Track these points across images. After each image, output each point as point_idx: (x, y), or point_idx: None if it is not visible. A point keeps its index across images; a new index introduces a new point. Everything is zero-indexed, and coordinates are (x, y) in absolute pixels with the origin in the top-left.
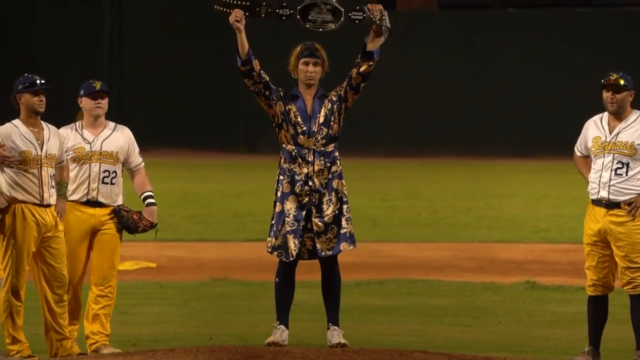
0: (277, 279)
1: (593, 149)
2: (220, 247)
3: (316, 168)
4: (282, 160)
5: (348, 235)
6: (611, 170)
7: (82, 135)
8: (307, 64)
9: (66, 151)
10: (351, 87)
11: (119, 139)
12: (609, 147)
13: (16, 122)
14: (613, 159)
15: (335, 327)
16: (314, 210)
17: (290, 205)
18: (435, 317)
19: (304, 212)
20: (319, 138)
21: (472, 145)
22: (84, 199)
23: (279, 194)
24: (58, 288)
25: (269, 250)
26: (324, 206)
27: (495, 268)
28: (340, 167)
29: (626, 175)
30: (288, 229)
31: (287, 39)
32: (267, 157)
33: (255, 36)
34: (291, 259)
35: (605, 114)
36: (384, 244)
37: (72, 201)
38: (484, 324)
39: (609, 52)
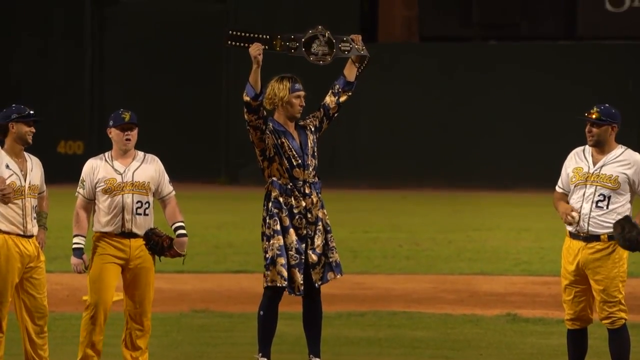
0: (261, 312)
1: (574, 179)
2: (201, 278)
3: (313, 200)
4: (275, 194)
5: (334, 264)
6: (592, 202)
7: (112, 167)
8: (299, 97)
9: (97, 182)
10: (328, 117)
11: (150, 169)
12: (592, 179)
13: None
14: (595, 191)
15: (317, 359)
16: (309, 243)
17: (291, 239)
18: (417, 349)
19: (303, 245)
20: (310, 169)
21: (454, 178)
22: (119, 231)
23: (277, 227)
24: (39, 319)
25: (269, 284)
26: (315, 237)
27: (476, 300)
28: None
29: (607, 208)
30: (293, 262)
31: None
32: (247, 189)
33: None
34: (298, 293)
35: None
36: (365, 276)
37: (106, 233)
38: (465, 356)
39: (591, 84)
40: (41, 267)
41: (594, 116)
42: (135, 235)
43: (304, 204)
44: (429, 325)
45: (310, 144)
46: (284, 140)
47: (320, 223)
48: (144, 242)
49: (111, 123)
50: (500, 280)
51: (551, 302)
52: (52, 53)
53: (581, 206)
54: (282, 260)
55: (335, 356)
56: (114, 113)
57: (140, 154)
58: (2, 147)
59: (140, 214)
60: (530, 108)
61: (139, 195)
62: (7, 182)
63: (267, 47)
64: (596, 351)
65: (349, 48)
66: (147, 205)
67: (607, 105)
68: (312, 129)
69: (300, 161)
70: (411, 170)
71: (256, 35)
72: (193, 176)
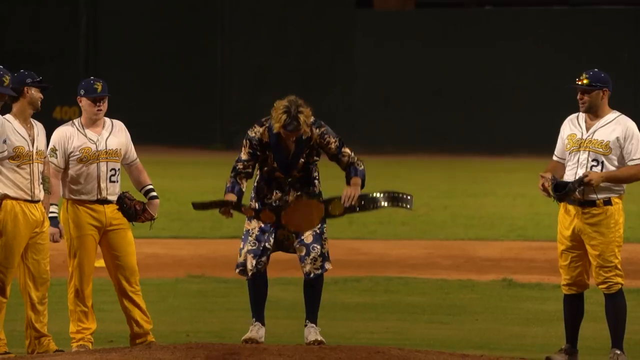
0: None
1: (568, 146)
2: (197, 244)
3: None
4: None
5: (327, 255)
6: (586, 167)
7: (85, 135)
8: (288, 137)
9: (71, 152)
10: (329, 156)
11: (120, 135)
12: (585, 145)
13: (8, 117)
14: (588, 156)
15: (313, 325)
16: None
17: (255, 225)
18: (412, 314)
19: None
20: (294, 180)
21: (449, 144)
22: (94, 198)
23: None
24: (41, 285)
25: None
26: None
27: (472, 266)
28: (319, 187)
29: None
30: (249, 248)
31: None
32: None
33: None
34: (248, 276)
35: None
36: (361, 242)
37: (80, 200)
38: (460, 321)
39: (585, 50)
40: (46, 232)
41: (584, 81)
42: (109, 202)
43: (280, 194)
44: (424, 291)
45: (303, 159)
46: (268, 154)
47: None
48: (117, 207)
49: (82, 92)
50: (496, 246)
51: (547, 267)
52: (47, 20)
53: (576, 172)
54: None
55: (331, 321)
56: (84, 81)
57: (107, 120)
58: (10, 112)
59: (114, 181)
60: (525, 74)
61: (112, 162)
62: (15, 145)
63: (235, 209)
64: (592, 316)
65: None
66: (118, 171)
67: (596, 70)
68: (314, 145)
69: (281, 173)
70: (406, 137)
71: (219, 203)
72: (188, 142)
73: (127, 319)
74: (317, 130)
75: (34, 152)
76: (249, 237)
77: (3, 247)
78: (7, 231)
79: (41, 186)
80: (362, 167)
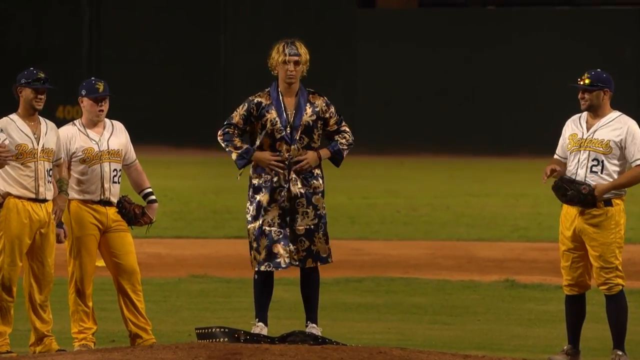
0: (255, 276)
1: (569, 145)
2: (199, 244)
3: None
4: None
5: (316, 253)
6: (586, 167)
7: (87, 136)
8: (289, 62)
9: (74, 152)
10: (326, 133)
11: (121, 136)
12: (585, 144)
13: (13, 116)
14: (588, 156)
15: (314, 325)
16: (293, 219)
17: (273, 214)
18: (414, 315)
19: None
20: (297, 146)
21: (452, 144)
22: (97, 199)
23: (255, 210)
24: (45, 287)
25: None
26: (297, 216)
27: (474, 266)
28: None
29: (601, 173)
30: (275, 238)
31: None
32: None
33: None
34: (284, 266)
35: (585, 113)
36: (363, 242)
37: (83, 200)
38: (462, 322)
39: (588, 50)
40: (52, 233)
41: (585, 81)
42: (111, 204)
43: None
44: (426, 291)
45: (306, 120)
46: (267, 115)
47: (303, 200)
48: (117, 210)
49: (83, 92)
50: (498, 246)
51: (549, 268)
52: (49, 18)
53: (576, 172)
54: (264, 241)
55: (333, 322)
56: (85, 81)
57: (107, 121)
58: (17, 112)
59: (115, 182)
60: (528, 73)
61: (115, 163)
62: (18, 143)
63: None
64: (594, 317)
65: None
66: (120, 172)
67: (598, 70)
68: (319, 112)
69: (283, 134)
70: (409, 136)
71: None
72: (191, 142)
73: (123, 318)
74: (323, 98)
75: (39, 150)
76: (266, 229)
77: (6, 246)
78: (10, 230)
79: (48, 185)
80: (346, 147)
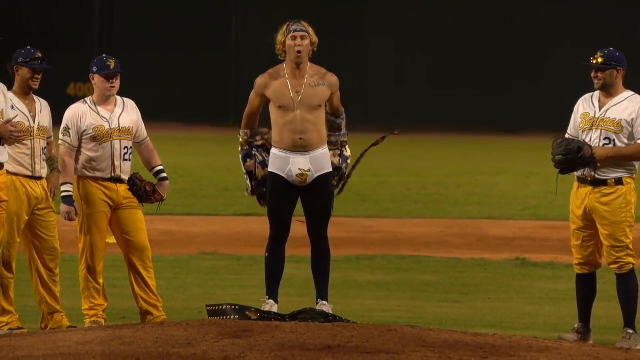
0: (267, 254)
1: (581, 124)
2: (210, 221)
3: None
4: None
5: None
6: (598, 146)
7: (98, 113)
8: (295, 38)
9: (85, 130)
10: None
11: (131, 113)
12: (597, 123)
13: (9, 93)
14: (600, 134)
15: (324, 302)
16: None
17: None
18: (425, 292)
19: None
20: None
21: (462, 122)
22: (108, 176)
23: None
24: (50, 261)
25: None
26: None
27: (485, 244)
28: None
29: None
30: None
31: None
32: None
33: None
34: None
35: (597, 92)
36: (373, 220)
37: (95, 178)
38: (473, 300)
39: (601, 30)
40: (52, 209)
41: (599, 60)
42: (122, 181)
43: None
44: (437, 269)
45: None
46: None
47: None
48: (128, 187)
49: (95, 69)
50: (509, 225)
51: (559, 246)
52: None
53: None
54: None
55: (344, 299)
56: (97, 58)
57: (119, 98)
58: (12, 90)
59: (126, 160)
60: (540, 53)
61: (126, 141)
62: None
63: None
64: (605, 295)
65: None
66: (131, 150)
67: (611, 49)
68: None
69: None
70: (419, 114)
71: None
72: (202, 119)
73: (133, 295)
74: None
75: (36, 127)
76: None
77: (4, 223)
78: (8, 206)
79: (43, 163)
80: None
